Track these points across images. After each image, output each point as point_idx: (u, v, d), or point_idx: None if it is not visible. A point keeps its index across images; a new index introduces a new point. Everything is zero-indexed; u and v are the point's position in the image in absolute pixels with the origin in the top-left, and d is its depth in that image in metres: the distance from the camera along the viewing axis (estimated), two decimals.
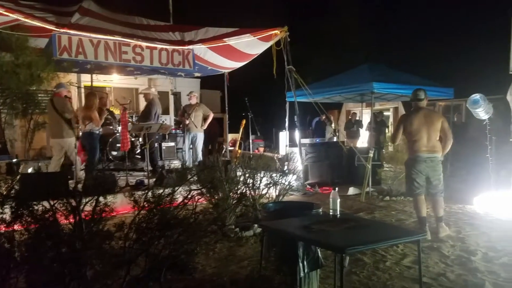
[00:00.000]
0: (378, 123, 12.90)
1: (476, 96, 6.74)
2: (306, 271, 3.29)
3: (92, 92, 8.42)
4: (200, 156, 9.41)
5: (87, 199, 2.52)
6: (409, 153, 5.38)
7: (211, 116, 9.62)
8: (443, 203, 5.35)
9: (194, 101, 9.49)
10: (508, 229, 5.43)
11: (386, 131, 12.91)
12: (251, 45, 9.11)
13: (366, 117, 14.27)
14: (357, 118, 14.24)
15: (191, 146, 9.47)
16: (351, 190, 8.16)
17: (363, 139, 13.94)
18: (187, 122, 9.16)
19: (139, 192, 2.67)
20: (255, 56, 9.86)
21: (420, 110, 5.30)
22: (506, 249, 4.62)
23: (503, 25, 6.61)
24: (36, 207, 2.41)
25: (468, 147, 9.11)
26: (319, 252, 3.40)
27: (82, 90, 11.39)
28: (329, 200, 3.35)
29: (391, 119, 16.65)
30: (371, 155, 7.93)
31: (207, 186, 4.85)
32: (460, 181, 8.22)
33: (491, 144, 7.18)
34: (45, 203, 2.50)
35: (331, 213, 3.33)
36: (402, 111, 15.30)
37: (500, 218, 6.00)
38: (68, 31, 7.37)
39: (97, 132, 7.87)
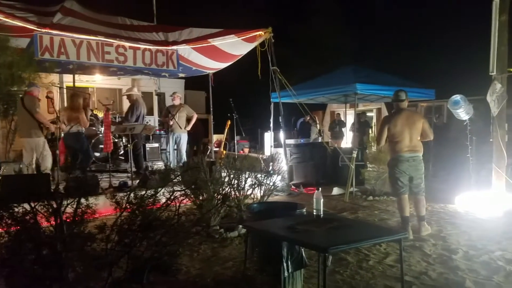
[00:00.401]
0: (361, 123, 13.02)
1: (457, 97, 6.86)
2: (290, 271, 3.31)
3: (76, 93, 8.33)
4: (184, 157, 9.36)
5: (68, 201, 2.49)
6: (391, 154, 5.46)
7: (195, 117, 9.58)
8: (425, 202, 5.43)
9: (177, 101, 9.44)
10: (488, 228, 5.53)
11: (370, 131, 13.05)
12: (235, 46, 9.11)
13: (350, 117, 14.40)
14: (341, 119, 14.36)
15: (175, 147, 9.43)
16: (335, 190, 8.22)
17: (347, 140, 14.06)
18: (171, 123, 9.11)
19: (121, 194, 2.64)
20: (240, 57, 9.86)
21: (402, 111, 5.39)
22: (486, 247, 4.71)
23: (484, 27, 6.74)
24: (16, 209, 2.37)
25: (449, 147, 9.26)
26: (303, 252, 3.42)
27: (65, 90, 11.24)
28: (313, 200, 3.37)
29: (374, 120, 16.83)
30: (354, 155, 8.01)
31: (191, 187, 4.82)
32: (442, 181, 8.36)
33: (471, 144, 7.31)
34: (26, 205, 2.46)
35: (314, 213, 3.36)
36: (385, 111, 15.47)
37: (480, 217, 6.11)
38: (50, 31, 7.27)
39: (83, 132, 7.85)
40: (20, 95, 7.66)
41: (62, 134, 8.13)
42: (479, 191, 6.73)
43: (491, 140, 6.69)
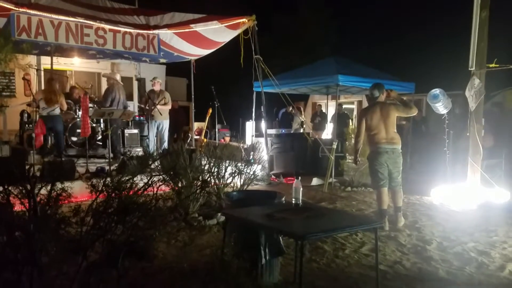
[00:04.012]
0: (341, 115, 13.10)
1: (436, 91, 6.94)
2: (267, 258, 3.32)
3: (51, 77, 8.17)
4: (166, 144, 9.27)
5: (43, 184, 2.43)
6: (370, 147, 5.49)
7: (169, 106, 9.45)
8: (402, 194, 5.50)
9: (157, 87, 9.31)
10: (462, 220, 5.66)
11: (350, 123, 13.14)
12: (218, 33, 9.01)
13: (331, 109, 14.46)
14: (322, 110, 14.41)
15: (156, 134, 9.32)
16: (315, 181, 8.28)
17: (328, 131, 14.14)
18: (154, 109, 8.99)
19: (98, 179, 2.60)
20: (223, 44, 9.76)
21: (377, 104, 5.43)
22: (459, 239, 4.82)
23: (464, 21, 6.83)
24: None
25: (427, 140, 9.41)
26: (280, 240, 3.43)
27: (42, 73, 10.97)
28: (292, 189, 3.38)
29: (355, 112, 16.95)
30: (334, 146, 8.07)
31: (170, 173, 4.78)
32: (418, 173, 8.51)
33: (448, 138, 7.44)
34: None
35: (293, 202, 3.37)
36: (365, 104, 15.59)
37: (455, 210, 6.25)
38: (28, 11, 7.06)
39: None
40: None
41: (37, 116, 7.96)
42: (454, 184, 6.87)
43: (468, 134, 6.81)
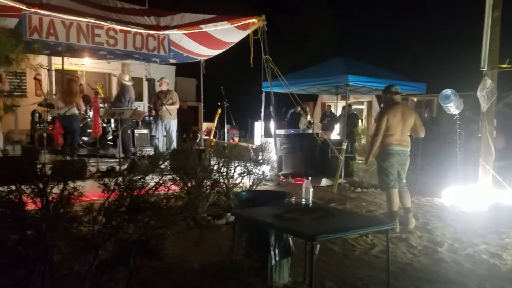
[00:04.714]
0: (350, 116, 13.05)
1: (448, 91, 6.89)
2: (277, 259, 3.31)
3: (73, 79, 8.29)
4: (174, 144, 9.30)
5: (55, 183, 2.45)
6: (381, 146, 5.41)
7: (177, 105, 9.47)
8: (409, 194, 5.46)
9: (165, 87, 9.34)
10: (473, 222, 5.60)
11: (360, 123, 13.09)
12: (228, 33, 9.02)
13: (340, 110, 14.41)
14: (332, 111, 14.35)
15: (165, 134, 9.36)
16: (324, 181, 8.25)
17: (337, 132, 14.08)
18: (162, 109, 9.02)
19: (110, 178, 2.62)
20: (232, 45, 9.78)
21: (399, 104, 5.39)
22: (470, 240, 4.77)
23: (476, 21, 6.76)
24: (1, 188, 2.33)
25: (438, 141, 9.33)
26: (290, 241, 3.42)
27: (53, 73, 11.07)
28: (302, 189, 3.37)
29: (365, 113, 16.87)
30: (344, 147, 8.02)
31: (180, 173, 4.79)
32: (429, 175, 8.44)
33: (460, 139, 7.37)
34: (12, 187, 2.41)
35: (303, 202, 3.35)
36: (375, 104, 15.51)
37: (466, 211, 6.19)
38: (39, 11, 7.13)
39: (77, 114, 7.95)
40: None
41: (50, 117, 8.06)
42: (465, 186, 6.80)
43: (479, 135, 6.74)
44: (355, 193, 7.51)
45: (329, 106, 14.71)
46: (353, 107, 14.41)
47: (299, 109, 12.77)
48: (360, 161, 9.04)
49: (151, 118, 10.70)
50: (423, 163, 9.58)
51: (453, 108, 7.01)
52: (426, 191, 7.27)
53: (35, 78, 8.75)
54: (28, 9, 7.00)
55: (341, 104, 13.89)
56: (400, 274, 3.77)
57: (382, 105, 5.73)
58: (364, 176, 8.08)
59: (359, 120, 13.81)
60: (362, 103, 16.95)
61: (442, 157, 8.60)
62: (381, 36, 21.91)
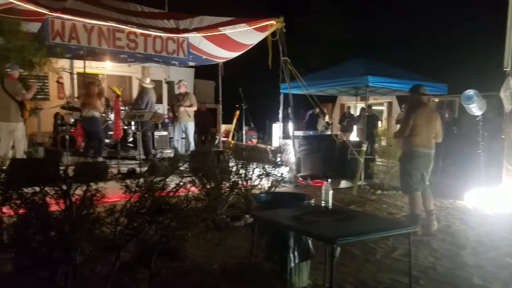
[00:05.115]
0: (369, 117, 12.93)
1: (470, 92, 6.76)
2: (296, 261, 3.29)
3: (92, 81, 8.44)
4: (192, 146, 9.37)
5: (77, 184, 2.48)
6: (404, 147, 5.34)
7: (195, 108, 9.53)
8: (432, 196, 5.37)
9: (183, 90, 9.41)
10: (496, 224, 5.48)
11: (380, 125, 12.95)
12: (246, 35, 9.05)
13: (359, 111, 14.29)
14: (351, 112, 14.25)
15: (183, 136, 9.42)
16: (343, 183, 8.17)
17: (356, 133, 13.97)
18: (181, 110, 9.10)
19: (131, 180, 2.64)
20: (250, 47, 9.80)
21: (426, 106, 5.34)
22: (493, 244, 4.67)
23: (498, 21, 6.62)
24: (25, 190, 2.38)
25: (460, 143, 9.15)
26: (310, 243, 3.40)
27: (75, 76, 11.27)
28: (322, 191, 3.34)
29: (385, 114, 16.68)
30: (364, 148, 7.94)
31: (199, 175, 4.82)
32: (451, 177, 8.27)
33: (483, 140, 7.22)
34: (36, 188, 2.46)
35: (322, 205, 3.33)
36: (396, 105, 15.33)
37: (489, 214, 6.06)
38: (61, 15, 7.27)
39: (98, 116, 8.06)
40: None
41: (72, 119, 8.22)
42: (488, 188, 6.66)
43: (503, 136, 6.59)
44: (375, 195, 7.42)
45: (349, 107, 14.60)
46: (373, 108, 14.27)
47: (317, 110, 12.72)
48: (380, 163, 8.92)
49: (168, 120, 10.81)
50: (445, 164, 9.39)
51: (475, 109, 6.87)
52: (448, 193, 7.13)
53: (57, 82, 8.92)
54: (51, 13, 7.14)
55: (360, 105, 13.78)
56: (422, 277, 3.71)
57: (404, 105, 5.66)
58: (384, 178, 7.97)
59: (379, 121, 13.67)
60: (382, 104, 16.78)
61: (464, 158, 8.42)
62: (400, 36, 21.58)
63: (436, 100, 13.02)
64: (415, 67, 11.65)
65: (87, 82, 8.64)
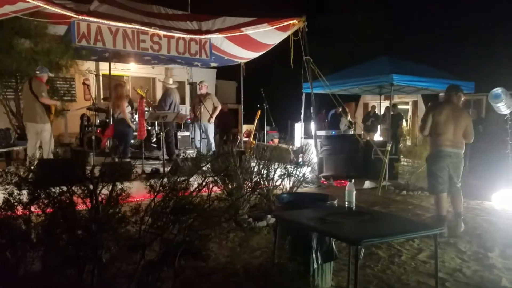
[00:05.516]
0: (394, 116, 12.73)
1: (498, 90, 6.58)
2: (319, 262, 3.26)
3: (119, 83, 8.59)
4: (213, 146, 9.41)
5: (103, 184, 2.53)
6: (431, 147, 5.23)
7: (219, 108, 9.56)
8: (462, 199, 5.24)
9: (204, 90, 9.45)
10: None
11: (404, 124, 12.75)
12: (268, 35, 9.04)
13: (383, 110, 14.10)
14: (376, 112, 14.03)
15: (203, 136, 9.47)
16: (367, 184, 8.07)
17: (380, 133, 13.77)
18: (198, 112, 9.17)
19: (155, 179, 2.68)
20: (272, 46, 9.78)
21: (449, 103, 5.18)
22: None
23: None
24: (53, 190, 2.43)
25: (487, 142, 8.93)
26: (333, 244, 3.37)
27: (101, 78, 11.49)
28: (345, 192, 3.31)
29: (410, 113, 16.41)
30: (388, 148, 7.82)
31: (221, 174, 4.84)
32: (478, 177, 8.08)
33: (511, 140, 7.03)
34: (63, 187, 2.52)
35: (346, 205, 3.30)
36: (421, 104, 15.05)
37: None
38: (87, 18, 7.40)
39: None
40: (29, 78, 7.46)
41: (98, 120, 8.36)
42: None
43: None
44: (400, 196, 7.31)
45: (374, 106, 14.36)
46: (398, 107, 14.04)
47: (340, 110, 12.60)
48: (405, 163, 8.78)
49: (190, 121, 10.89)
50: (472, 164, 9.19)
51: (503, 107, 6.69)
52: (475, 194, 6.96)
53: (83, 83, 9.10)
54: (77, 16, 7.27)
55: (385, 104, 13.58)
56: (449, 280, 3.63)
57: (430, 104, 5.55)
58: (410, 179, 7.84)
59: (404, 121, 13.45)
60: (407, 103, 16.50)
61: (492, 158, 8.22)
62: (426, 34, 21.22)
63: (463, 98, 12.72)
64: (441, 65, 11.41)
65: (114, 84, 8.79)
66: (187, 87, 13.80)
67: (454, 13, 21.25)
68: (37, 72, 7.18)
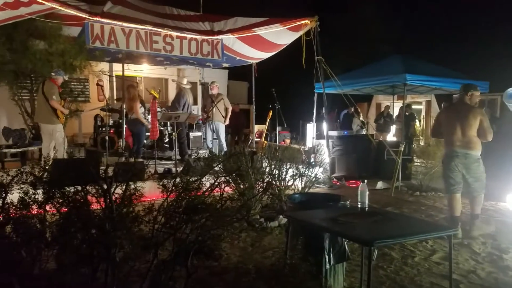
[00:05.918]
0: (407, 116, 12.61)
1: None
2: (332, 263, 3.25)
3: (131, 84, 8.68)
4: (225, 146, 9.43)
5: (117, 183, 2.55)
6: (444, 149, 5.24)
7: (230, 109, 9.58)
8: (481, 201, 5.16)
9: (215, 91, 9.48)
10: None
11: (417, 124, 12.63)
12: (280, 35, 9.03)
13: (397, 110, 13.97)
14: (389, 112, 13.92)
15: (215, 137, 9.50)
16: (379, 184, 8.02)
17: (393, 133, 13.67)
18: (210, 113, 9.20)
19: (168, 179, 2.70)
20: (284, 47, 9.77)
21: (456, 104, 5.15)
22: None
23: None
24: (67, 189, 2.46)
25: (502, 142, 8.79)
26: (345, 245, 3.35)
27: (114, 79, 11.60)
28: (358, 192, 3.29)
29: (423, 113, 16.25)
30: (401, 148, 7.75)
31: (233, 175, 4.85)
32: (492, 178, 7.95)
33: None
34: (77, 187, 2.55)
35: (359, 206, 3.28)
36: (435, 104, 14.91)
37: None
38: (101, 19, 7.47)
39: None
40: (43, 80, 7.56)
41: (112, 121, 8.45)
42: None
43: None
44: (413, 197, 7.24)
45: (388, 106, 14.23)
46: (412, 107, 13.91)
47: (352, 110, 12.54)
48: (418, 164, 8.70)
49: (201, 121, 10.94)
50: (486, 164, 9.06)
51: None
52: (489, 194, 6.82)
53: (97, 84, 9.20)
54: (91, 17, 7.34)
55: (398, 104, 13.47)
56: (463, 282, 3.59)
57: (443, 104, 5.51)
58: (423, 179, 7.76)
59: (417, 121, 13.32)
60: (420, 103, 16.35)
61: (506, 159, 8.09)
62: (439, 33, 21.00)
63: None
64: (455, 65, 11.29)
65: (127, 85, 8.88)
66: (199, 88, 13.87)
67: (466, 11, 20.99)
68: (53, 74, 7.26)
